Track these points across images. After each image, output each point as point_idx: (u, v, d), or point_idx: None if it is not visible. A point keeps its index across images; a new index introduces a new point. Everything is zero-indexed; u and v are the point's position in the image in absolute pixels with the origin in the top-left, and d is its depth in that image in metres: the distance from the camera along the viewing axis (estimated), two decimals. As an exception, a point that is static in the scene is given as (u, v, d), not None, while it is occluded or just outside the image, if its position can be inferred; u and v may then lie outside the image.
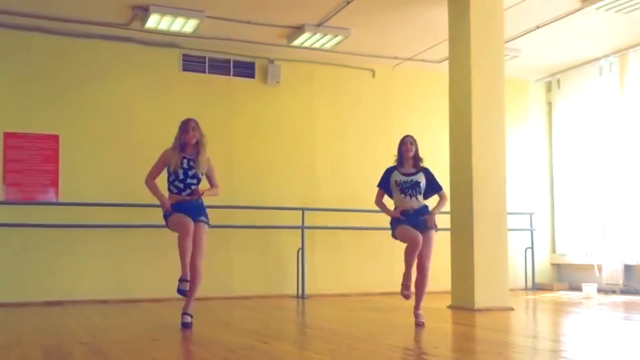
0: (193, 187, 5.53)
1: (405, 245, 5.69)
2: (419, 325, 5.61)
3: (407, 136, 5.95)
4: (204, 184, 5.70)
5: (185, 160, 5.53)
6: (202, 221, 5.54)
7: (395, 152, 5.95)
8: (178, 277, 5.44)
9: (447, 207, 7.24)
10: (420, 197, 5.80)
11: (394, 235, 5.87)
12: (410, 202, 5.75)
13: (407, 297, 5.83)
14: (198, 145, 5.58)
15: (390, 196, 5.90)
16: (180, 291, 5.48)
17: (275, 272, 8.97)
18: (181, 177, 5.51)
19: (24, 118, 8.06)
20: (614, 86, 9.43)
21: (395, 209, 5.81)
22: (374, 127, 9.59)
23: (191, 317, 5.52)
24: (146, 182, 5.64)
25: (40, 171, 8.05)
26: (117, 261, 8.22)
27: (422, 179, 5.81)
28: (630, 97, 9.22)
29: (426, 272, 5.75)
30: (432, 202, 5.91)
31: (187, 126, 5.57)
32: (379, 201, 5.97)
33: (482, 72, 7.20)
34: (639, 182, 9.09)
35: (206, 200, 5.72)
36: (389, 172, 5.92)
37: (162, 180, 5.66)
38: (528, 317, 7.00)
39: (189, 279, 5.47)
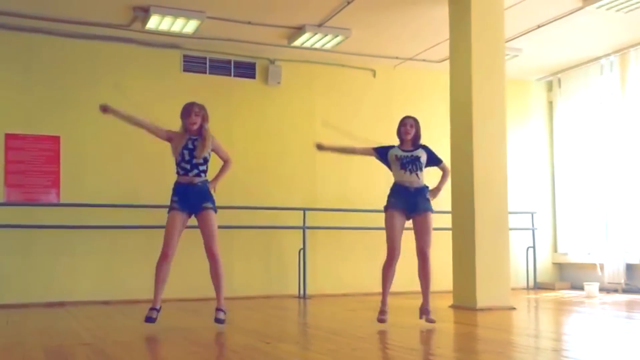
0: (200, 167, 5.49)
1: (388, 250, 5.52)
2: (429, 321, 5.51)
3: (407, 117, 5.82)
4: (215, 162, 5.67)
5: (190, 142, 5.50)
6: (207, 208, 5.47)
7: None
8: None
9: (448, 204, 7.31)
10: (421, 174, 5.66)
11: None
12: (409, 178, 5.63)
13: (381, 321, 5.59)
14: (202, 131, 5.54)
15: (385, 164, 5.80)
16: (147, 319, 5.34)
17: (277, 273, 8.97)
18: (187, 158, 5.48)
19: (25, 119, 8.07)
20: (615, 85, 9.42)
21: (393, 185, 5.69)
22: (375, 127, 9.56)
23: (224, 312, 5.46)
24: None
25: (41, 172, 8.06)
26: (119, 262, 8.22)
27: (422, 154, 5.70)
28: (632, 96, 9.20)
29: (427, 259, 5.54)
30: (431, 183, 5.83)
31: (189, 110, 5.54)
32: (353, 146, 6.01)
33: (482, 71, 7.20)
34: (640, 181, 9.09)
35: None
36: (389, 147, 5.83)
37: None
38: (530, 316, 6.99)
39: (158, 307, 5.40)
